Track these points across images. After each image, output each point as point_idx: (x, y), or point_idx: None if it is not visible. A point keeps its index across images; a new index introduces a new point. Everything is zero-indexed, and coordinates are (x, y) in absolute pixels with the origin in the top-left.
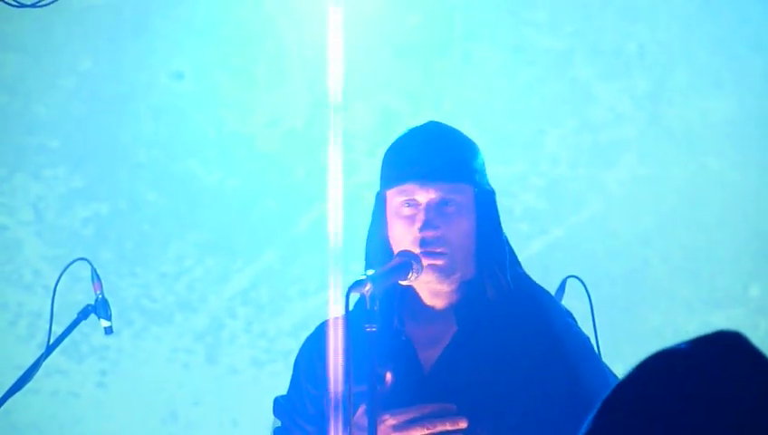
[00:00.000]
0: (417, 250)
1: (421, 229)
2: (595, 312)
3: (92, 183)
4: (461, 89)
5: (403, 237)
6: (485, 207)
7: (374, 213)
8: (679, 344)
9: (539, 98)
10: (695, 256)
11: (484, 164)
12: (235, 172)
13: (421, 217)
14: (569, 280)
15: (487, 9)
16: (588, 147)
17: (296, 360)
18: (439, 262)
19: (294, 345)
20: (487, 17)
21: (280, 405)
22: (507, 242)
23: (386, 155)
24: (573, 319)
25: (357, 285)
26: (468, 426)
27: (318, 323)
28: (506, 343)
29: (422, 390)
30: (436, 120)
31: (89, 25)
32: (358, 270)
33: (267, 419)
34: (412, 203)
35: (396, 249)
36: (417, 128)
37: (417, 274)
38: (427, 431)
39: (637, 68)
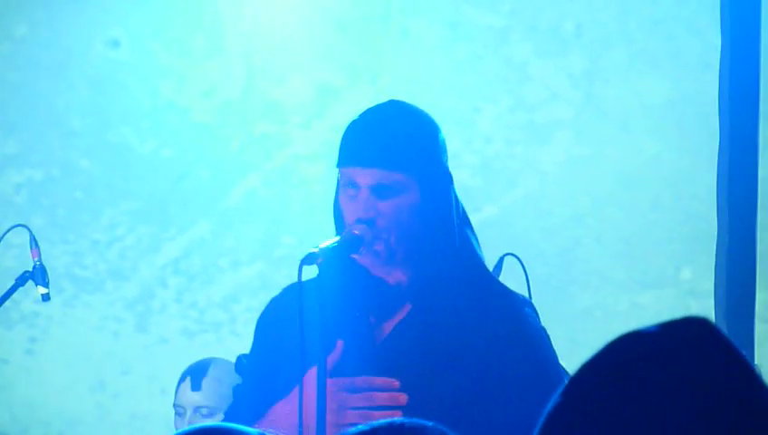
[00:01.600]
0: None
1: (358, 213)
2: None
3: (26, 149)
4: (398, 64)
5: (347, 217)
6: (432, 191)
7: (336, 186)
8: (647, 328)
9: (475, 75)
10: (628, 236)
11: (438, 147)
12: (169, 142)
13: (359, 200)
14: (506, 258)
15: None
16: (523, 125)
17: (258, 321)
18: (377, 247)
19: (225, 316)
20: None
21: (242, 364)
22: (463, 225)
23: (344, 133)
24: (531, 307)
25: (309, 257)
26: (412, 401)
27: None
28: (458, 324)
29: (372, 362)
30: (372, 94)
31: None
32: (289, 242)
33: None
34: (354, 185)
35: (346, 225)
36: (371, 109)
37: (367, 250)
38: (366, 403)
39: (574, 47)
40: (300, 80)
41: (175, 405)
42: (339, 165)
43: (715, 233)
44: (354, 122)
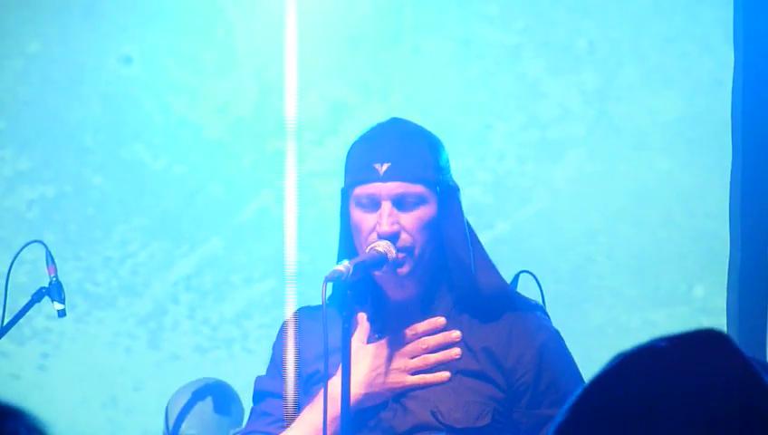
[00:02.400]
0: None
1: (381, 227)
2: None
3: (38, 165)
4: (410, 81)
5: (364, 234)
6: (447, 204)
7: (341, 209)
8: (659, 340)
9: (487, 92)
10: (640, 253)
11: (447, 160)
12: (182, 158)
13: (381, 215)
14: (521, 275)
15: (437, 2)
16: (535, 142)
17: (276, 342)
18: (404, 269)
19: (237, 333)
20: (437, 10)
21: (261, 383)
22: (472, 238)
23: (349, 152)
24: (544, 312)
25: (334, 274)
26: (436, 415)
27: (274, 309)
28: (473, 340)
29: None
30: (385, 111)
31: (37, 8)
32: (304, 260)
33: None
34: (373, 201)
35: (360, 245)
36: (375, 127)
37: (389, 268)
38: (422, 347)
39: (586, 64)
40: (312, 97)
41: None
42: (354, 183)
43: (728, 250)
44: (363, 140)
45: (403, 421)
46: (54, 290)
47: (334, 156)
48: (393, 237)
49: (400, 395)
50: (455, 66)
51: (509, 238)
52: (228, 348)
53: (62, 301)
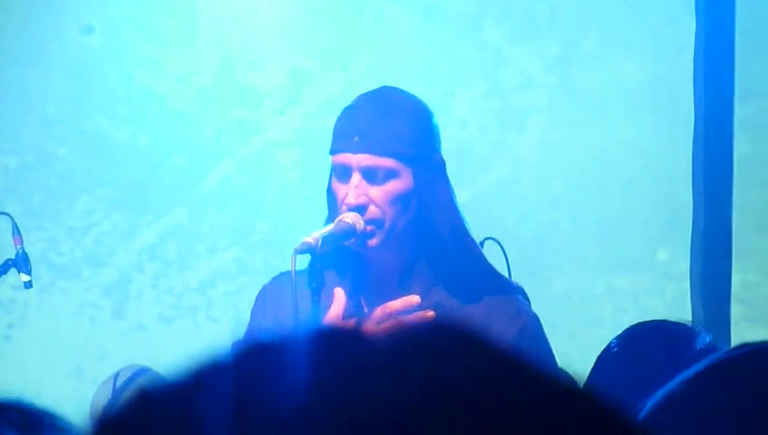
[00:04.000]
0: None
1: (349, 199)
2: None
3: (1, 136)
4: (372, 49)
5: (339, 204)
6: (426, 178)
7: (329, 173)
8: (733, 353)
9: (449, 60)
10: (603, 219)
11: (431, 133)
12: (145, 129)
13: (350, 186)
14: (485, 242)
15: None
16: (497, 110)
17: (253, 311)
18: (372, 241)
19: (202, 302)
20: None
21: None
22: (455, 213)
23: (335, 121)
24: (525, 296)
25: (303, 246)
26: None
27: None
28: (458, 315)
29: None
30: (346, 80)
31: None
32: (265, 228)
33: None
34: (345, 171)
35: (335, 215)
36: (363, 95)
37: (358, 239)
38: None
39: (548, 32)
40: (274, 66)
41: None
42: (331, 151)
43: (691, 215)
44: (346, 109)
45: None
46: (21, 261)
47: (296, 125)
48: (360, 209)
49: None
50: (416, 34)
51: (472, 206)
52: (193, 317)
53: (29, 272)
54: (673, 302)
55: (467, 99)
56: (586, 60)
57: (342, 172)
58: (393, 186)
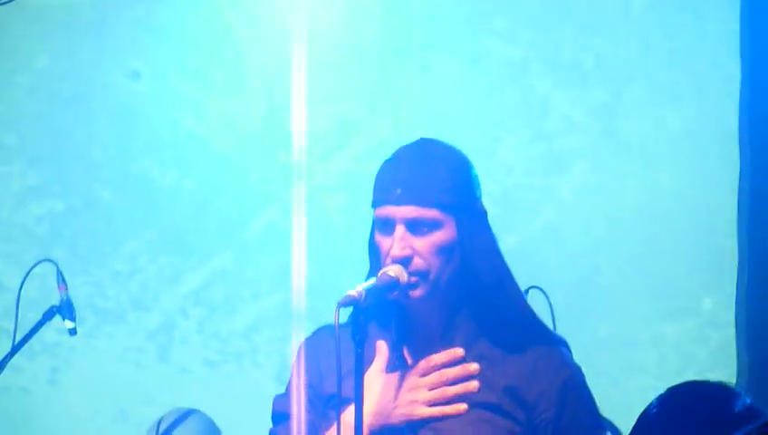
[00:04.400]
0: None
1: (394, 251)
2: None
3: (47, 181)
4: (419, 97)
5: (383, 256)
6: (469, 228)
7: (371, 229)
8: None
9: (495, 106)
10: (648, 266)
11: (472, 183)
12: (191, 173)
13: (395, 238)
14: (530, 291)
15: (446, 18)
16: (541, 155)
17: (294, 363)
18: (416, 293)
19: (246, 347)
20: (446, 26)
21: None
22: (500, 263)
23: (377, 173)
24: (568, 347)
25: (346, 299)
26: None
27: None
28: (504, 368)
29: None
30: (392, 127)
31: (46, 23)
32: (312, 273)
33: (217, 418)
34: (389, 223)
35: (381, 267)
36: (403, 148)
37: (401, 292)
38: (440, 381)
39: (593, 80)
40: (321, 112)
41: None
42: (373, 205)
43: (736, 263)
44: (387, 162)
45: None
46: (65, 308)
47: (342, 170)
48: (405, 261)
49: (416, 426)
50: (463, 82)
51: (517, 251)
52: (238, 362)
53: (73, 319)
54: (718, 349)
55: (513, 144)
56: (631, 108)
57: (386, 225)
58: (437, 237)
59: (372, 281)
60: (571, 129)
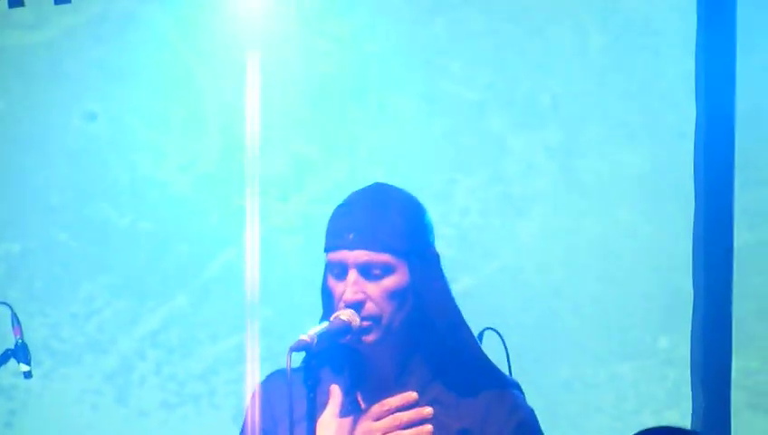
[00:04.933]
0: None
1: (346, 295)
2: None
3: (4, 224)
4: (375, 137)
5: (336, 301)
6: (422, 272)
7: (324, 271)
8: None
9: (452, 148)
10: (605, 307)
11: (425, 227)
12: (148, 215)
13: (347, 283)
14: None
15: (402, 59)
16: (499, 197)
17: (248, 407)
18: (369, 338)
19: (204, 389)
20: (402, 67)
21: None
22: (451, 307)
23: (330, 217)
24: (520, 390)
25: (299, 344)
26: None
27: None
28: (447, 415)
29: None
30: (349, 167)
31: (1, 66)
32: (268, 315)
33: None
34: (341, 268)
35: (334, 312)
36: (356, 193)
37: (354, 336)
38: (394, 425)
39: (550, 120)
40: (277, 153)
41: None
42: (326, 249)
43: (692, 301)
44: (340, 207)
45: None
46: (20, 352)
47: (298, 211)
48: (357, 306)
49: None
50: (419, 122)
51: (473, 293)
52: (196, 404)
53: (28, 362)
54: (674, 388)
55: (469, 186)
56: (588, 148)
57: (338, 269)
58: (390, 281)
59: (325, 325)
60: (528, 170)
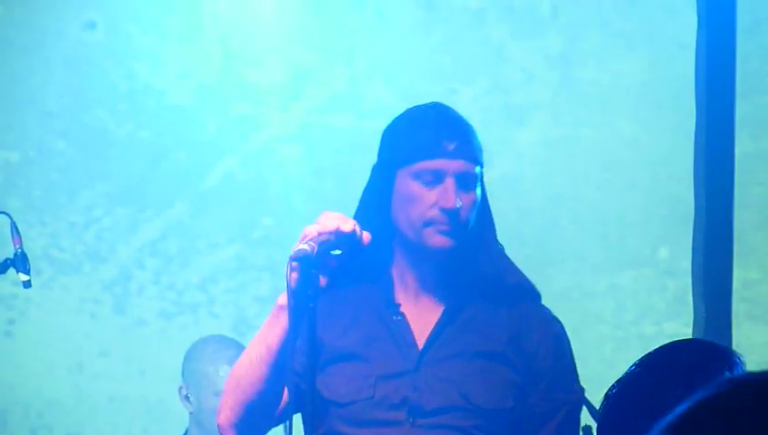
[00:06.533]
0: (421, 226)
1: (446, 202)
2: None
3: (1, 131)
4: (373, 46)
5: (419, 209)
6: (484, 191)
7: (375, 190)
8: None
9: (451, 57)
10: (605, 217)
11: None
12: (146, 124)
13: (446, 190)
14: None
15: None
16: (499, 107)
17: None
18: (450, 243)
19: (203, 298)
20: None
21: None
22: (493, 225)
23: (400, 129)
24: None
25: (298, 254)
26: (464, 404)
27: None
28: (492, 322)
29: (417, 366)
30: (349, 77)
31: None
32: (267, 224)
33: (174, 369)
34: (437, 176)
35: (411, 219)
36: (432, 107)
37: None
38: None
39: (550, 29)
40: (276, 62)
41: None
42: (416, 158)
43: (692, 212)
44: (418, 118)
45: (429, 401)
46: (19, 261)
47: (298, 121)
48: (454, 212)
49: (427, 376)
50: (418, 31)
51: None
52: (194, 313)
53: (27, 272)
54: (674, 299)
55: (469, 96)
56: (588, 57)
57: (431, 177)
58: (476, 195)
59: (323, 237)
60: (528, 79)
